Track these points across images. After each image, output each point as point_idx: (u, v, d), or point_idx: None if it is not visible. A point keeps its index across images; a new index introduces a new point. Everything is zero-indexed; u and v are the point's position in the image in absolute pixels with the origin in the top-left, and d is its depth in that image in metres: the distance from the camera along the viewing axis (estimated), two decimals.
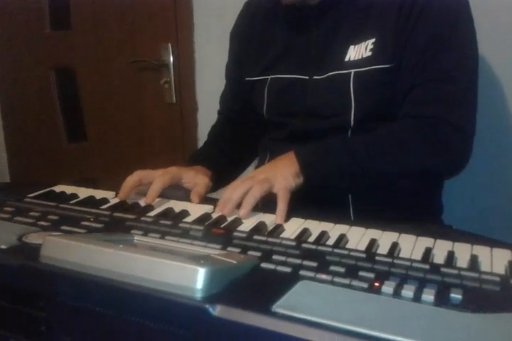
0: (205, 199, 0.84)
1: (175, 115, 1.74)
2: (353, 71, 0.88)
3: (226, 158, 1.04)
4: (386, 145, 0.84)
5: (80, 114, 1.94)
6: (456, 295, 0.45)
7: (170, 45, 1.66)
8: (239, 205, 0.75)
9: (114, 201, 0.81)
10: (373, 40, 0.87)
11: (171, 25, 1.64)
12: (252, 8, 1.05)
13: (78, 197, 0.83)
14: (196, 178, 0.88)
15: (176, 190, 0.86)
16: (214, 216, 0.74)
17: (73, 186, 0.89)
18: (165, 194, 0.82)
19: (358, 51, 0.88)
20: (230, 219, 0.73)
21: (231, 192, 0.76)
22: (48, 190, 0.87)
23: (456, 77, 0.84)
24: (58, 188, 0.88)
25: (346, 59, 0.89)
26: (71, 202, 0.79)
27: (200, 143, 1.71)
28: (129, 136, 1.85)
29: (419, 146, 0.83)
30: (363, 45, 0.88)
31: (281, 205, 0.74)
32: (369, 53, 0.87)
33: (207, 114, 1.68)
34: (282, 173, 0.78)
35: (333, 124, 0.91)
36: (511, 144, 1.22)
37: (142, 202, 0.80)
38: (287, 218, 0.73)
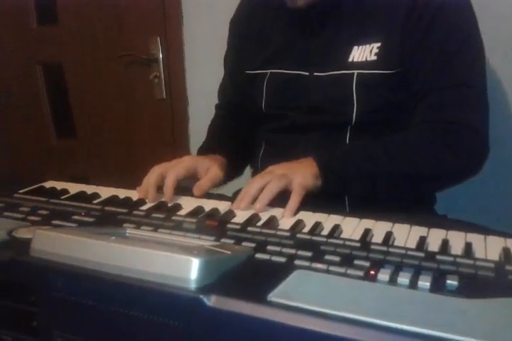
0: (208, 195, 0.82)
1: (165, 110, 1.72)
2: (356, 72, 0.87)
3: (235, 149, 1.02)
4: (405, 149, 0.84)
5: (68, 110, 1.92)
6: (452, 282, 0.45)
7: (159, 38, 1.64)
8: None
9: (105, 196, 0.80)
10: (379, 44, 0.86)
11: (159, 18, 1.62)
12: None
13: (69, 193, 0.82)
14: (209, 170, 0.86)
15: (191, 182, 0.84)
16: (207, 209, 0.73)
17: (63, 182, 0.88)
18: (180, 186, 0.80)
19: (362, 53, 0.87)
20: (223, 211, 0.72)
21: (249, 187, 0.75)
22: (38, 185, 0.86)
23: (471, 80, 0.85)
24: (48, 184, 0.87)
25: (350, 59, 0.88)
26: (62, 197, 0.78)
27: (192, 139, 1.70)
28: (119, 132, 1.84)
29: (439, 150, 0.83)
30: (367, 47, 0.87)
31: (294, 200, 0.73)
32: (374, 57, 0.86)
33: (198, 109, 1.66)
34: (301, 172, 0.77)
35: (335, 120, 0.91)
36: (501, 134, 1.22)
37: (135, 196, 0.79)
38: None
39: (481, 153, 0.87)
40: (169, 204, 0.76)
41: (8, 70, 1.99)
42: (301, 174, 0.77)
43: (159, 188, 0.79)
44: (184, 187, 0.81)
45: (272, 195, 0.73)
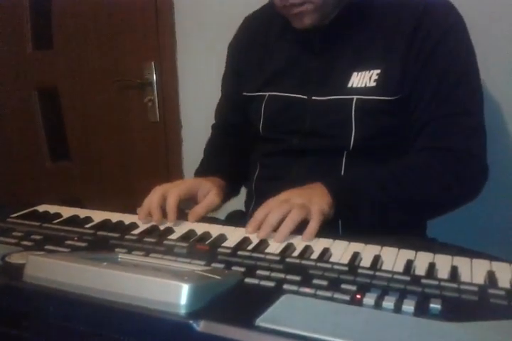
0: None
1: (159, 133, 1.74)
2: (355, 97, 0.88)
3: (233, 170, 1.03)
4: (415, 176, 0.85)
5: (63, 133, 1.94)
6: (435, 306, 0.46)
7: (153, 63, 1.68)
8: None
9: (98, 220, 0.81)
10: (378, 71, 0.87)
11: (153, 43, 1.65)
12: (253, 22, 1.06)
13: (62, 217, 0.82)
14: (207, 195, 0.87)
15: (188, 204, 0.85)
16: (199, 232, 0.74)
17: (57, 205, 0.89)
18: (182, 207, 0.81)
19: (361, 79, 0.88)
20: (214, 235, 0.73)
21: (269, 214, 0.74)
22: (31, 209, 0.87)
23: (471, 108, 0.87)
24: (42, 208, 0.88)
25: (349, 85, 0.89)
26: (54, 221, 0.79)
27: (185, 161, 1.72)
28: (113, 154, 1.85)
29: (445, 177, 0.85)
30: (366, 74, 0.88)
31: (314, 223, 0.73)
32: (373, 84, 0.87)
33: (191, 131, 1.69)
34: (318, 202, 0.77)
35: (332, 144, 0.91)
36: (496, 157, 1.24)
37: (127, 220, 0.80)
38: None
39: (481, 179, 0.89)
40: (161, 228, 0.77)
41: (3, 94, 2.01)
42: (318, 204, 0.76)
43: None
44: (180, 209, 0.82)
45: (294, 226, 0.72)
